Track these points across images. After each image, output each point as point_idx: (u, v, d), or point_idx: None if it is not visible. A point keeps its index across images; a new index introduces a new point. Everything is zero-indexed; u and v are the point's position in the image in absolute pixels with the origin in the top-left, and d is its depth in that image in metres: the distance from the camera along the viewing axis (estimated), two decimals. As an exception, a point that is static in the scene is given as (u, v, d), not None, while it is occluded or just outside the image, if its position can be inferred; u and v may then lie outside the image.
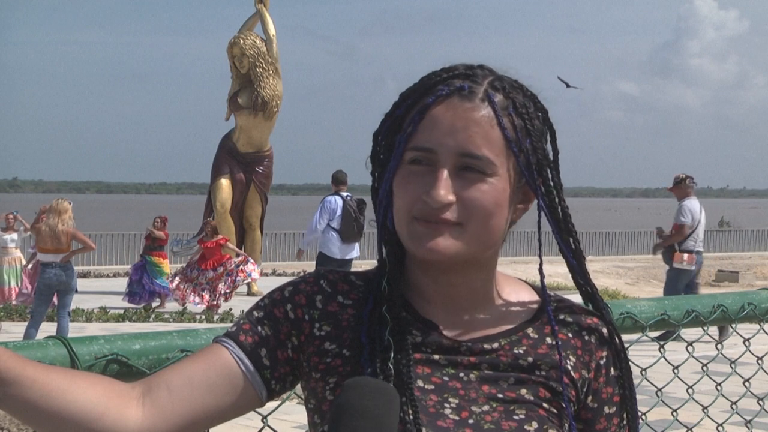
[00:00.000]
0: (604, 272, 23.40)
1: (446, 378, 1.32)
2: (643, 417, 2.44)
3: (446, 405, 1.30)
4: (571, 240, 1.38)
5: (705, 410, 2.59)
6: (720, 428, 2.69)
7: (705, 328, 2.50)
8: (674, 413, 2.54)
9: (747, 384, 2.72)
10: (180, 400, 1.30)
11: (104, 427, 1.25)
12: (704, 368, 2.65)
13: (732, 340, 2.63)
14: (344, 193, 13.20)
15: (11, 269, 16.50)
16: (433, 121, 1.29)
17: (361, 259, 13.91)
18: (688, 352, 2.55)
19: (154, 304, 16.26)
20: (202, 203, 19.59)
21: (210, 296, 15.69)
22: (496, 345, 1.34)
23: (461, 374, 1.32)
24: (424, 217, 1.28)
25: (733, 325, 2.60)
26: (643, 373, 2.37)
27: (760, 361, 2.80)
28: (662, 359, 2.48)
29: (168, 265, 16.96)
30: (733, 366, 2.73)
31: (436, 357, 1.33)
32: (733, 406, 2.73)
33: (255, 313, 1.38)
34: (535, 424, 1.30)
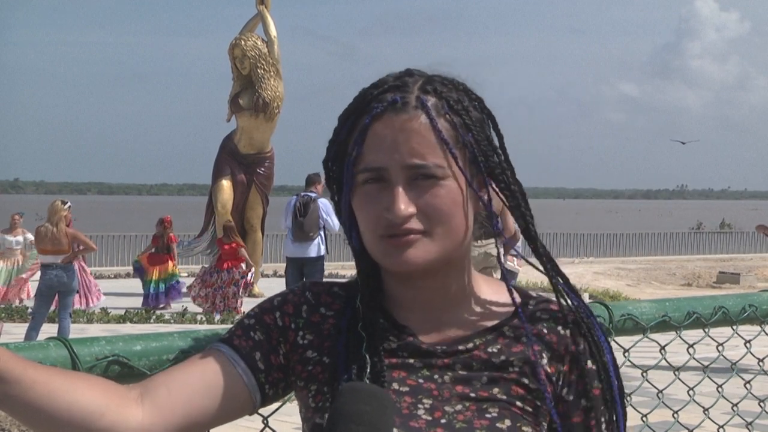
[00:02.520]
0: (605, 273, 23.41)
1: (421, 380, 1.34)
2: (644, 419, 2.44)
3: (420, 406, 1.32)
4: (526, 221, 1.38)
5: (706, 412, 2.59)
6: (721, 430, 2.69)
7: (706, 329, 2.50)
8: (675, 415, 2.54)
9: (748, 386, 2.72)
10: (179, 401, 1.31)
11: (104, 426, 1.26)
12: (705, 370, 2.66)
13: (733, 341, 2.63)
14: (304, 193, 13.37)
15: (15, 269, 16.56)
16: (375, 140, 1.32)
17: (328, 260, 14.00)
18: (689, 354, 2.55)
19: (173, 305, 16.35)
20: (203, 204, 19.60)
21: (221, 300, 15.73)
22: (470, 345, 1.37)
23: (435, 376, 1.34)
24: (390, 233, 1.31)
25: (734, 327, 2.60)
26: (644, 374, 2.37)
27: (761, 363, 2.80)
28: (663, 361, 2.48)
29: (175, 267, 17.01)
30: (734, 368, 2.73)
31: (411, 360, 1.36)
32: (734, 408, 2.72)
33: (246, 321, 1.41)
34: (507, 422, 1.31)
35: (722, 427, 2.70)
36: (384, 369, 1.33)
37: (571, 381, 1.37)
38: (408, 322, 1.38)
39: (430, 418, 1.31)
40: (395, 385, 1.33)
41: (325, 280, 1.48)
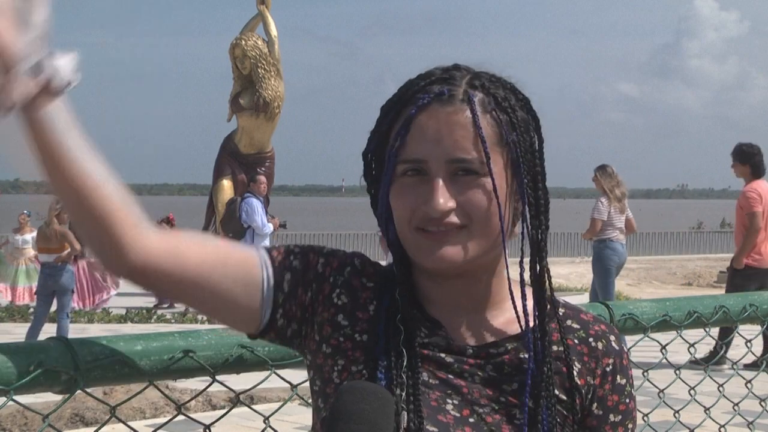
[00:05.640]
0: (605, 273, 23.36)
1: (451, 376, 1.32)
2: (645, 418, 2.44)
3: (448, 401, 1.30)
4: (539, 231, 1.35)
5: (707, 411, 2.59)
6: (722, 429, 2.69)
7: (707, 329, 2.50)
8: (676, 414, 2.54)
9: (749, 385, 2.72)
10: (195, 254, 1.30)
11: (120, 218, 1.25)
12: (706, 369, 2.65)
13: (734, 341, 2.63)
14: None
15: (25, 269, 16.55)
16: (418, 131, 1.30)
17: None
18: (690, 353, 2.55)
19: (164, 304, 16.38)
20: (203, 204, 19.58)
21: None
22: (502, 349, 1.35)
23: (466, 374, 1.33)
24: (426, 227, 1.29)
25: (735, 326, 2.60)
26: (645, 374, 2.37)
27: (762, 362, 2.80)
28: (664, 360, 2.48)
29: None
30: (735, 367, 2.73)
31: (443, 355, 1.33)
32: (735, 408, 2.73)
33: (291, 247, 1.39)
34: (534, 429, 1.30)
35: (723, 426, 2.70)
36: (420, 364, 1.31)
37: (601, 396, 1.37)
38: (439, 318, 1.36)
39: (458, 414, 1.29)
40: (425, 376, 1.31)
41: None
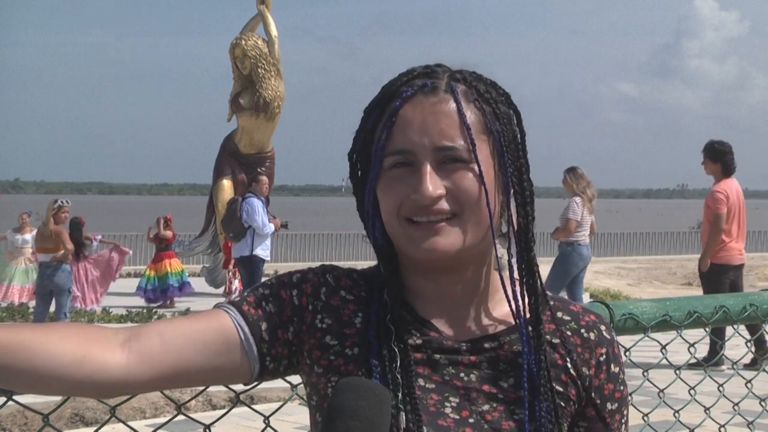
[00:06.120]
0: (605, 273, 23.40)
1: (447, 377, 1.32)
2: (645, 418, 2.44)
3: (447, 404, 1.30)
4: (527, 221, 1.35)
5: (707, 411, 2.59)
6: (722, 429, 2.69)
7: (706, 329, 2.50)
8: (676, 414, 2.54)
9: (749, 385, 2.72)
10: (170, 351, 1.29)
11: (84, 376, 1.24)
12: (706, 369, 2.65)
13: (734, 341, 2.62)
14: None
15: (24, 268, 16.55)
16: (404, 122, 1.31)
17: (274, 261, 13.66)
18: (690, 353, 2.55)
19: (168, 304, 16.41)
20: (204, 204, 19.60)
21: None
22: (495, 344, 1.35)
23: (461, 374, 1.33)
24: (415, 216, 1.29)
25: (735, 327, 2.60)
26: (645, 374, 2.37)
27: (761, 362, 2.80)
28: (664, 360, 2.48)
29: (179, 264, 17.03)
30: (735, 367, 2.73)
31: (437, 356, 1.33)
32: (735, 407, 2.73)
33: (261, 290, 1.38)
34: (535, 423, 1.30)
35: (723, 426, 2.70)
36: (412, 363, 1.31)
37: (597, 386, 1.37)
38: (430, 316, 1.36)
39: (457, 416, 1.29)
40: (421, 381, 1.31)
41: (342, 266, 1.44)
